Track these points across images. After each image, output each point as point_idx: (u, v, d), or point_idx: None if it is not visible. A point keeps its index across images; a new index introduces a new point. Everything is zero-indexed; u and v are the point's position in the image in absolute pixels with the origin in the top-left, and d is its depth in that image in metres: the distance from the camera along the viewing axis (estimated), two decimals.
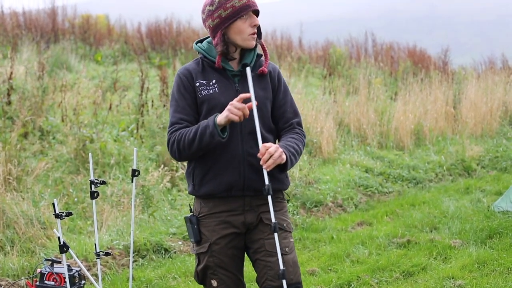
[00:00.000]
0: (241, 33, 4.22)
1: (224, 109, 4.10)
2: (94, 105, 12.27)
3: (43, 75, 12.37)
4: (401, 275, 7.04)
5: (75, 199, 8.84)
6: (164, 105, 12.69)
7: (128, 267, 6.62)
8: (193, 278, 7.01)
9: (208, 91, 4.23)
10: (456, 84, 17.35)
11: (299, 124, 4.40)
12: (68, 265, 4.95)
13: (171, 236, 8.15)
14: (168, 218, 8.63)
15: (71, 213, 4.82)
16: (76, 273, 5.03)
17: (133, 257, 7.11)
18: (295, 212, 9.42)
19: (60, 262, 4.99)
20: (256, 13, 4.27)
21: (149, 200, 8.86)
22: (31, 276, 6.38)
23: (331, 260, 7.58)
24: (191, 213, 4.38)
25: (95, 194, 4.96)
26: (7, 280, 6.68)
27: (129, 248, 6.03)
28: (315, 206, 9.83)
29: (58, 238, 4.60)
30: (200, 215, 4.33)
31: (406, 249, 7.89)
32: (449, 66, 22.39)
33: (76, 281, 5.00)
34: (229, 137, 4.16)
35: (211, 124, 4.05)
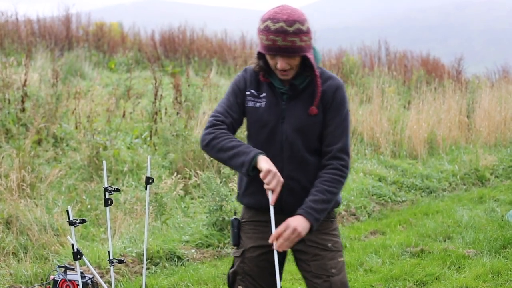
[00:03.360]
0: (271, 65, 4.04)
1: (264, 126, 4.04)
2: (108, 112, 12.31)
3: (57, 82, 12.41)
4: (414, 284, 7.02)
5: (88, 206, 8.86)
6: (178, 113, 12.71)
7: (141, 274, 6.63)
8: (206, 286, 7.02)
9: (255, 104, 4.10)
10: (469, 93, 17.28)
11: (342, 150, 4.08)
12: (82, 272, 4.95)
13: (184, 244, 8.15)
14: (181, 225, 8.63)
15: (85, 220, 4.83)
16: (89, 280, 5.03)
17: (146, 264, 7.11)
18: None
19: (73, 269, 5.00)
20: (291, 54, 3.93)
21: (162, 207, 8.86)
22: (44, 283, 6.39)
23: None
24: (234, 217, 4.31)
25: (109, 202, 4.96)
26: (20, 287, 6.70)
27: (142, 255, 6.03)
28: None
29: (72, 245, 4.60)
30: (242, 220, 4.28)
31: (420, 258, 7.86)
32: (462, 75, 22.34)
33: None
34: (269, 155, 3.98)
35: (249, 159, 3.90)
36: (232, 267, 4.31)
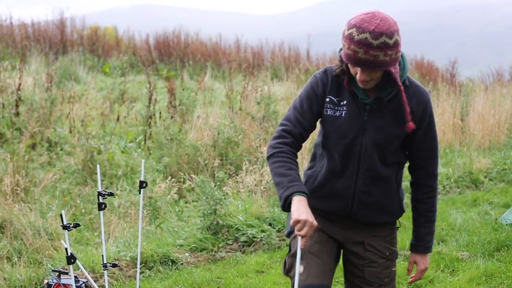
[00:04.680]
0: (352, 73, 3.80)
1: (344, 137, 3.86)
2: (102, 116, 12.31)
3: (51, 87, 12.42)
4: (408, 287, 7.03)
5: (83, 210, 8.86)
6: (172, 117, 12.72)
7: (135, 278, 6.63)
8: None
9: (334, 112, 3.88)
10: (463, 96, 17.31)
11: (434, 166, 4.05)
12: (75, 276, 4.96)
13: (178, 247, 8.15)
14: (175, 229, 8.63)
15: (79, 224, 4.83)
16: (83, 285, 5.05)
17: (140, 268, 7.11)
18: None
19: (67, 273, 5.01)
20: (372, 68, 3.68)
21: (156, 211, 8.86)
22: (39, 287, 6.39)
23: (338, 273, 7.52)
24: None
25: (103, 206, 4.97)
26: None
27: (136, 259, 6.04)
28: None
29: (66, 249, 4.61)
30: None
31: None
32: (456, 78, 22.38)
33: None
34: (345, 167, 3.91)
35: (285, 196, 3.74)
36: (289, 253, 4.10)
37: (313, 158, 4.13)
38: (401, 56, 3.84)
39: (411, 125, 3.78)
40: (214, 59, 23.55)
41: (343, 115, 3.86)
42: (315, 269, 3.93)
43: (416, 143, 3.96)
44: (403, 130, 3.85)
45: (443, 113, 15.26)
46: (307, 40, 25.42)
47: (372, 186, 3.93)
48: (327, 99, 3.89)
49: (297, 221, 3.67)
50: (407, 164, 4.15)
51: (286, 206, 3.76)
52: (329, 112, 3.89)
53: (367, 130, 3.85)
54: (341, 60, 3.80)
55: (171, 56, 23.64)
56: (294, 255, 3.93)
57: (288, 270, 4.06)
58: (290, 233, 4.05)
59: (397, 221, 4.16)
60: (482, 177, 12.67)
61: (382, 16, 3.64)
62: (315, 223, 3.69)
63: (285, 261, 4.11)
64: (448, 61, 23.54)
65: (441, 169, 12.68)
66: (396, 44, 3.64)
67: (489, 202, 10.91)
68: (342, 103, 3.88)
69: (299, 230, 3.68)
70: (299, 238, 3.72)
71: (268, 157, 3.93)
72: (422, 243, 4.12)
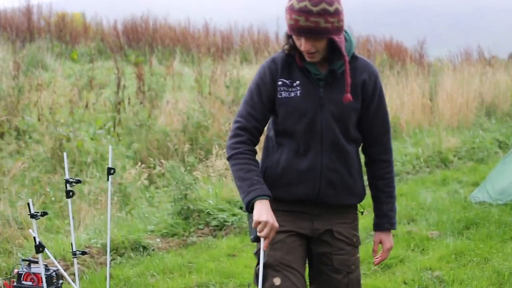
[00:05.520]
0: (298, 46, 3.79)
1: (302, 115, 3.81)
2: (71, 103, 12.22)
3: (19, 75, 12.31)
4: (379, 267, 7.05)
5: (53, 198, 8.82)
6: (141, 103, 12.67)
7: (106, 265, 6.61)
8: (171, 275, 7.01)
9: (289, 94, 3.82)
10: (432, 76, 17.41)
11: (389, 140, 4.03)
12: (46, 265, 4.94)
13: (149, 233, 8.14)
14: (146, 215, 8.61)
15: (47, 212, 4.81)
16: (54, 273, 5.02)
17: (111, 255, 7.07)
18: None
19: (37, 262, 4.98)
20: (315, 36, 3.67)
21: (127, 198, 8.84)
22: (9, 276, 6.35)
23: None
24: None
25: (71, 193, 4.94)
26: None
27: (107, 246, 6.02)
28: None
29: (34, 238, 4.59)
30: None
31: None
32: (425, 58, 22.46)
33: (54, 281, 4.98)
34: (308, 147, 3.84)
35: (246, 202, 3.75)
36: (257, 264, 3.87)
37: (266, 154, 4.03)
38: (346, 32, 3.84)
39: (347, 96, 3.75)
40: (183, 44, 23.43)
41: (298, 94, 3.82)
42: (293, 280, 3.85)
43: (370, 117, 3.92)
44: (357, 104, 3.85)
45: (412, 93, 15.34)
46: (276, 23, 25.37)
47: (338, 163, 3.87)
48: (279, 83, 3.85)
49: (258, 223, 3.68)
50: None
51: (249, 210, 3.77)
52: (283, 94, 3.84)
53: (325, 106, 3.81)
54: (287, 35, 3.80)
55: (140, 41, 23.46)
56: (264, 266, 3.84)
57: (263, 282, 3.85)
58: (256, 239, 3.85)
59: (359, 205, 4.10)
60: (451, 156, 12.77)
61: None
62: (276, 224, 3.69)
63: (256, 273, 3.87)
64: (417, 42, 23.59)
65: (410, 149, 12.77)
66: (337, 12, 3.64)
67: (459, 181, 11.02)
68: (295, 84, 3.83)
69: (260, 231, 3.68)
70: (262, 239, 3.72)
71: (228, 159, 3.92)
72: (387, 219, 4.04)
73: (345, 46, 3.79)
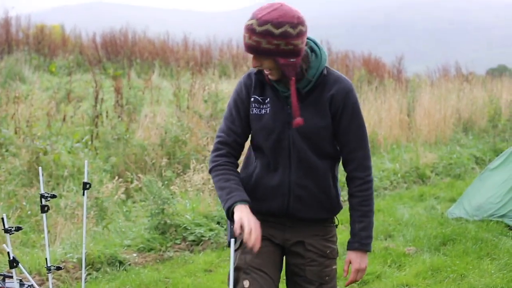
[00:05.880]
0: None
1: (271, 132, 3.87)
2: (48, 116, 12.16)
3: None
4: (355, 283, 7.05)
5: (29, 212, 8.75)
6: (119, 116, 12.64)
7: (82, 280, 6.56)
8: None
9: (259, 110, 3.90)
10: (410, 92, 17.50)
11: (366, 157, 3.96)
12: (20, 280, 4.89)
13: (125, 248, 8.09)
14: (123, 230, 8.57)
15: (21, 227, 4.76)
16: None
17: (86, 270, 7.04)
18: None
19: (12, 277, 4.93)
20: (258, 55, 3.75)
21: (103, 212, 8.79)
22: None
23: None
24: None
25: (46, 208, 4.91)
26: None
27: (82, 261, 5.98)
28: None
29: (8, 253, 4.55)
30: None
31: None
32: (403, 74, 22.62)
33: None
34: (277, 163, 3.90)
35: (226, 208, 3.80)
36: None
37: (245, 164, 4.10)
38: (318, 47, 3.87)
39: (298, 120, 3.77)
40: (161, 57, 23.44)
41: (268, 111, 3.87)
42: (261, 283, 3.90)
43: (342, 133, 3.90)
44: (326, 121, 3.85)
45: (390, 108, 15.41)
46: None
47: (305, 179, 3.90)
48: (252, 99, 3.91)
49: (241, 227, 3.70)
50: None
51: (230, 217, 3.78)
52: (254, 111, 3.90)
53: (292, 123, 3.83)
54: None
55: (118, 54, 23.46)
56: (236, 268, 3.91)
57: (235, 285, 3.93)
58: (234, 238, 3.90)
59: (335, 218, 4.11)
60: (428, 172, 12.82)
61: (280, 7, 3.68)
62: (258, 230, 3.72)
63: (228, 276, 3.88)
64: (395, 57, 23.75)
65: (388, 165, 12.80)
66: (285, 36, 3.64)
67: (436, 196, 11.06)
68: (266, 101, 3.89)
69: (247, 241, 3.70)
70: (232, 243, 3.76)
71: (209, 172, 3.98)
72: (357, 239, 3.98)
73: (309, 64, 3.83)
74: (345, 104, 3.86)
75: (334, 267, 4.07)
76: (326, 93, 3.85)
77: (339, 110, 3.86)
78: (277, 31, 3.63)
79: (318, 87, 3.85)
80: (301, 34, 3.69)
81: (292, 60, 3.72)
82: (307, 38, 3.83)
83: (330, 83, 3.87)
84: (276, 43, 3.65)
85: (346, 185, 4.06)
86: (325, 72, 3.88)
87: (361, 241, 3.97)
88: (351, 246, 4.00)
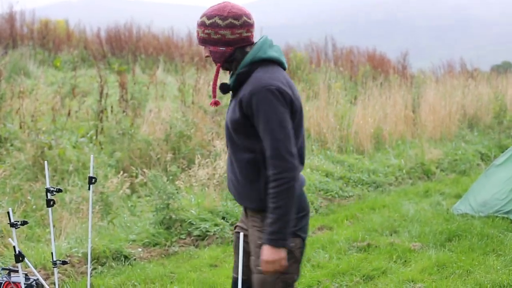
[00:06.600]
0: None
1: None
2: (53, 111, 12.16)
3: (1, 82, 12.23)
4: (361, 279, 7.06)
5: (34, 207, 8.75)
6: (124, 111, 12.63)
7: (87, 274, 6.56)
8: (153, 285, 6.97)
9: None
10: (415, 88, 17.46)
11: (273, 156, 3.91)
12: (26, 274, 4.90)
13: (130, 243, 8.09)
14: (128, 224, 8.57)
15: (27, 221, 4.76)
16: (34, 282, 4.98)
17: (92, 264, 7.04)
18: None
19: (17, 271, 4.93)
20: (200, 43, 4.20)
21: (108, 207, 8.79)
22: None
23: (340, 277, 7.44)
24: None
25: (51, 202, 4.90)
26: None
27: (88, 255, 5.98)
28: None
29: (14, 247, 4.54)
30: None
31: (366, 253, 7.91)
32: (408, 70, 22.57)
33: None
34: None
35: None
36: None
37: None
38: (259, 47, 4.07)
39: (213, 101, 4.20)
40: (166, 53, 23.41)
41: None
42: (235, 265, 4.20)
43: (257, 130, 4.01)
44: (237, 116, 4.01)
45: (395, 104, 15.37)
46: (260, 32, 25.40)
47: (232, 166, 4.15)
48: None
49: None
50: None
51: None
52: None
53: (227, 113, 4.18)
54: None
55: (123, 49, 23.43)
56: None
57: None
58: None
59: None
60: (433, 168, 12.80)
61: (222, 4, 4.10)
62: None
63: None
64: (399, 53, 23.68)
65: (393, 161, 12.79)
66: (213, 25, 4.07)
67: (441, 192, 11.04)
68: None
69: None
70: (241, 234, 4.00)
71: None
72: (265, 232, 3.96)
73: (242, 60, 4.09)
74: (250, 107, 3.95)
75: None
76: (241, 92, 4.01)
77: (249, 112, 3.97)
78: (208, 22, 4.08)
79: (243, 85, 4.03)
80: (230, 26, 4.05)
81: (221, 48, 4.11)
82: (266, 38, 4.15)
83: (249, 83, 4.01)
84: (207, 32, 4.09)
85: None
86: (251, 69, 4.04)
87: (266, 235, 3.95)
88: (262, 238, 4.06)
